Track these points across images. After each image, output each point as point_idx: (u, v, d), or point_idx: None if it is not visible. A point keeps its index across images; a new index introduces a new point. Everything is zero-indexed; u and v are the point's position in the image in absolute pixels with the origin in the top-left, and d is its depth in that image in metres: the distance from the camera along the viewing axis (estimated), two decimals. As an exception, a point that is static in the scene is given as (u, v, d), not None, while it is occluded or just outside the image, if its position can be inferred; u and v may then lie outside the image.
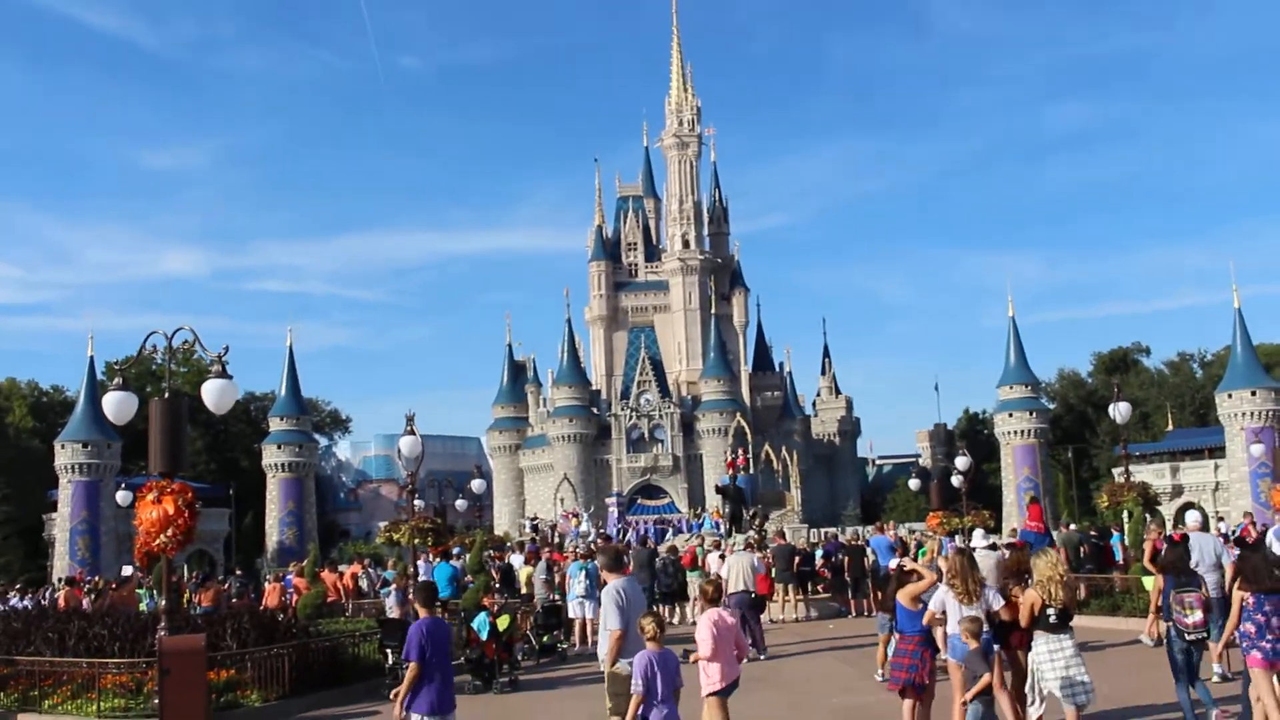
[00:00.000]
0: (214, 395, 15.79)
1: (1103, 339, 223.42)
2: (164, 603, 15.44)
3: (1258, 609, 10.71)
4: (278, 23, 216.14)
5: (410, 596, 22.05)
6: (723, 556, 22.62)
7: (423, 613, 10.64)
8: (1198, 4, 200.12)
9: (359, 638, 18.71)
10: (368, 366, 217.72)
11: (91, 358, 67.43)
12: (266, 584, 30.54)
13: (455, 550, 29.20)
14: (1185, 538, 21.67)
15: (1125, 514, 29.34)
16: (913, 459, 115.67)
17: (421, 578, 24.73)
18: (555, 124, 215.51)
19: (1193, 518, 16.21)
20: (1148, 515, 26.27)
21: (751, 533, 25.55)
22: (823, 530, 63.70)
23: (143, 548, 15.68)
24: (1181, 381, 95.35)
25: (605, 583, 10.79)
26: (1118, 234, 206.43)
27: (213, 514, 77.12)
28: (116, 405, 15.88)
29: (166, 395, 15.49)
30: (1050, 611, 10.47)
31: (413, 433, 24.39)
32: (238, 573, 34.95)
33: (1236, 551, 13.95)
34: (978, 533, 17.75)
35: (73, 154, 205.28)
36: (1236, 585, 11.44)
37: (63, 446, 68.11)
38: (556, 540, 50.82)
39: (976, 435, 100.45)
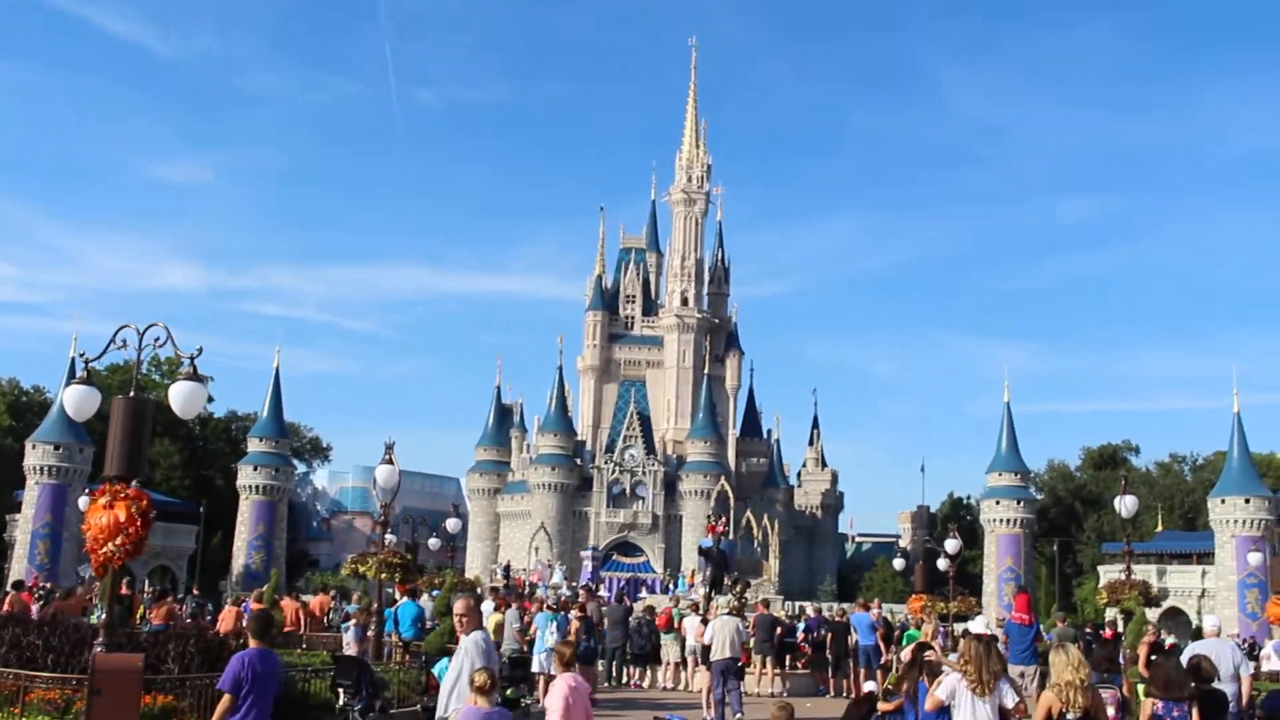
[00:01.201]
0: (181, 398, 14.69)
1: (1090, 435, 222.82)
2: (104, 616, 14.35)
3: (1166, 713, 10.59)
4: (298, 45, 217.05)
5: (366, 633, 20.97)
6: (705, 620, 21.55)
7: (252, 643, 9.74)
8: (1211, 106, 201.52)
9: (310, 673, 17.49)
10: (354, 397, 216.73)
11: (73, 359, 66.03)
12: (226, 606, 29.28)
13: (433, 591, 28.12)
14: (1116, 637, 20.84)
15: (1119, 613, 28.31)
16: (893, 539, 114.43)
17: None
18: (563, 170, 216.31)
19: (1210, 623, 15.20)
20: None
21: (731, 599, 24.39)
22: (796, 603, 62.54)
23: (91, 555, 14.67)
24: (1172, 483, 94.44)
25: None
26: (1112, 331, 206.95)
27: (180, 530, 75.67)
28: (78, 400, 14.89)
29: (131, 394, 14.44)
30: (1070, 718, 9.42)
31: (390, 462, 23.29)
32: (195, 592, 33.72)
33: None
34: (979, 619, 16.69)
35: (80, 158, 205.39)
36: (1146, 691, 11.41)
37: (33, 447, 66.72)
38: (527, 589, 49.62)
39: (960, 520, 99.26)
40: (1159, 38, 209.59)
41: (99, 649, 13.35)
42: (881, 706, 15.57)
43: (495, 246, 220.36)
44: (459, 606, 10.87)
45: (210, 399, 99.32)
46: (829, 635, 26.17)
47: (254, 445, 79.32)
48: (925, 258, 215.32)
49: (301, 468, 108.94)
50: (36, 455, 66.44)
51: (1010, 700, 9.77)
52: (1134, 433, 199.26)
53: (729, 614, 18.43)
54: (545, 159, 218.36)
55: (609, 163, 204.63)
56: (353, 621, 19.39)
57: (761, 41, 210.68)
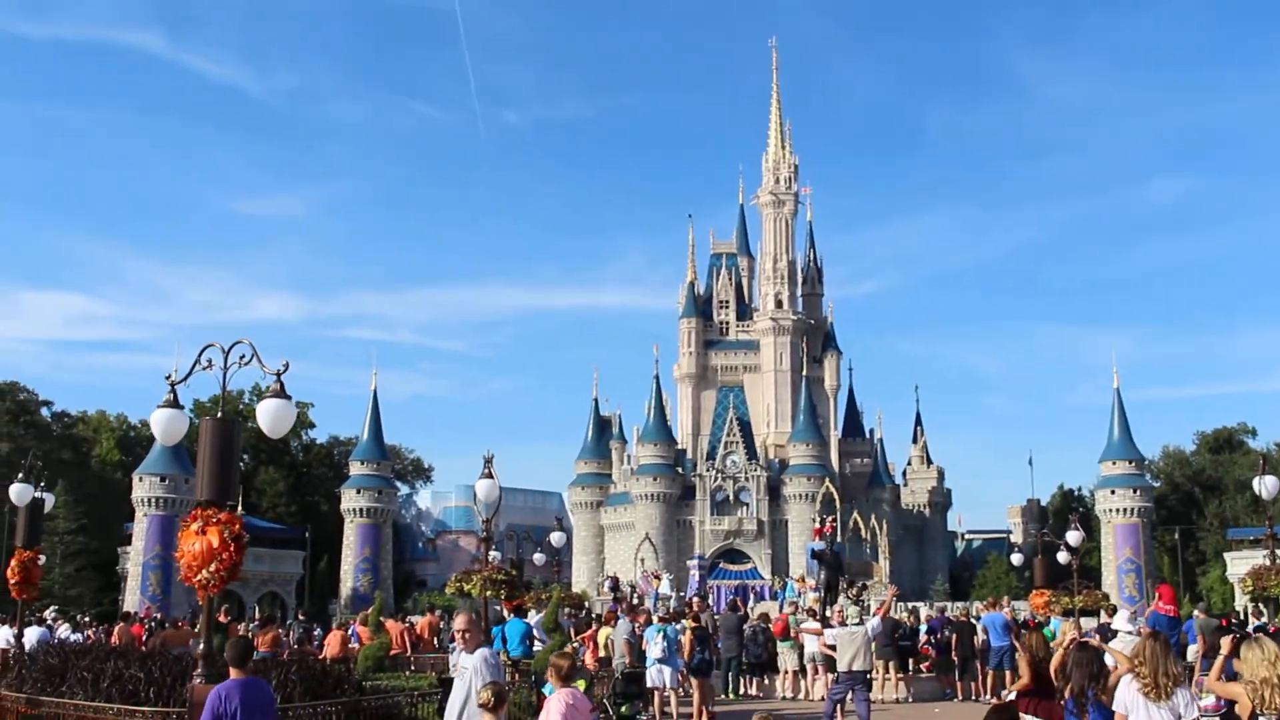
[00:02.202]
0: (270, 416, 14.13)
1: (1201, 420, 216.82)
2: (202, 646, 13.75)
3: None
4: (379, 73, 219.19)
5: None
6: (827, 625, 20.52)
7: (232, 673, 8.95)
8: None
9: (418, 697, 16.80)
10: (453, 417, 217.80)
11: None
12: (331, 630, 28.79)
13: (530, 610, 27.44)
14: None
15: (1251, 602, 26.77)
16: (1004, 535, 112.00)
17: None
18: (650, 181, 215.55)
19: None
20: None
21: (859, 605, 23.31)
22: (910, 604, 61.02)
23: (186, 584, 14.12)
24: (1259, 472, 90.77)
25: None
26: (1213, 313, 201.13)
27: (287, 556, 76.26)
28: (164, 424, 14.39)
29: (220, 415, 13.90)
30: (1264, 720, 8.27)
31: (490, 476, 22.59)
32: (300, 617, 33.33)
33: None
34: (1121, 614, 15.49)
35: (173, 197, 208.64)
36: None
37: (140, 479, 67.63)
38: (636, 600, 48.86)
39: (1072, 512, 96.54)
40: (1237, 13, 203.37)
41: (198, 680, 12.81)
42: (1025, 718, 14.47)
43: (585, 262, 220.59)
44: (459, 622, 10.00)
45: (312, 425, 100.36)
46: (954, 636, 24.98)
47: (356, 469, 79.82)
48: (1017, 249, 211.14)
49: (404, 489, 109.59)
50: (144, 487, 67.32)
51: (1190, 711, 8.61)
52: (1247, 415, 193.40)
53: (859, 622, 17.36)
54: (631, 172, 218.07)
55: (695, 171, 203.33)
56: (458, 642, 18.63)
57: (840, 40, 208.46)
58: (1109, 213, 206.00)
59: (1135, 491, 76.24)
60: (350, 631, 27.60)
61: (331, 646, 25.07)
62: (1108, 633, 18.20)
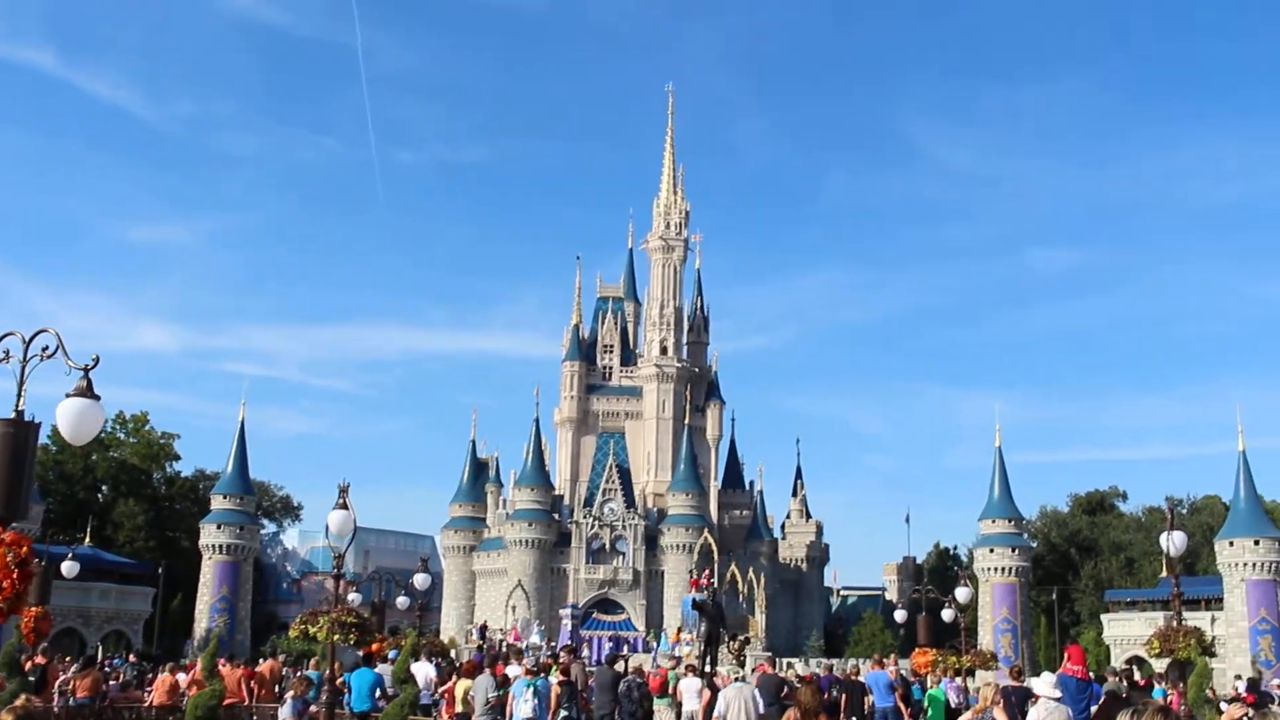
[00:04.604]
0: (71, 419, 11.89)
1: (1073, 483, 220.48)
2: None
3: None
4: (278, 107, 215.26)
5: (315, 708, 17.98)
6: (712, 685, 18.61)
7: None
8: (1186, 158, 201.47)
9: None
10: (331, 456, 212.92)
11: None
12: (161, 674, 25.99)
13: (390, 654, 25.07)
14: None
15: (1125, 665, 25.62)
16: (878, 592, 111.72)
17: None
18: (545, 227, 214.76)
19: None
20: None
21: (754, 659, 21.53)
22: (785, 660, 59.51)
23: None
24: (1165, 528, 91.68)
25: None
26: (1090, 380, 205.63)
27: (135, 592, 71.97)
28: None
29: (14, 416, 11.69)
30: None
31: (345, 506, 20.36)
32: (131, 659, 30.43)
33: None
34: (1045, 676, 13.90)
35: (57, 220, 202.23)
36: None
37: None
38: (504, 651, 46.53)
39: (946, 571, 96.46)
40: (1134, 92, 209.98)
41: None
42: None
43: (476, 305, 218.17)
44: None
45: (177, 457, 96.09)
46: (844, 696, 23.29)
47: (217, 503, 76.11)
48: (905, 311, 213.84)
49: (271, 527, 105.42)
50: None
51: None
52: (1117, 479, 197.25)
53: (742, 680, 15.54)
54: (527, 216, 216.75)
55: (590, 216, 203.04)
56: (290, 693, 16.32)
57: (738, 95, 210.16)
58: (995, 281, 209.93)
59: (1014, 551, 75.79)
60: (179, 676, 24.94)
61: (159, 693, 22.49)
62: (1013, 694, 16.59)
